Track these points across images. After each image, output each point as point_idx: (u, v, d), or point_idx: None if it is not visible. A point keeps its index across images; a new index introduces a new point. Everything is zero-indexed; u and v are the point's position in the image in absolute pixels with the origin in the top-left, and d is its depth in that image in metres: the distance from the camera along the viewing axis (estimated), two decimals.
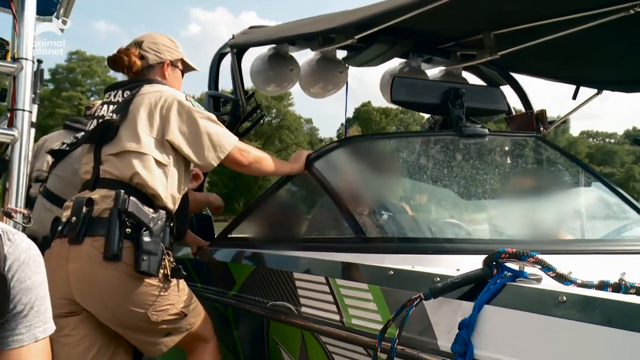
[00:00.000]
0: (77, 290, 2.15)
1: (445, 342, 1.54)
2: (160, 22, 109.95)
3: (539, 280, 1.51)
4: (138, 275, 2.14)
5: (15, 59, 2.21)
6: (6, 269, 1.22)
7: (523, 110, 3.97)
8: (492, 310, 1.46)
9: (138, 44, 2.49)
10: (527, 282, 1.49)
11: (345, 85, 3.85)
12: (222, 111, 3.47)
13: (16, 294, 1.23)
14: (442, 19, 2.40)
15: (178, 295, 2.28)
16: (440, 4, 2.23)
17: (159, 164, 2.27)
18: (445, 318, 1.57)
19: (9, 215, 2.13)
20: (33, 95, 2.24)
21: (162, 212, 2.25)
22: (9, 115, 2.21)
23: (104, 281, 2.13)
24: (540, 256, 1.50)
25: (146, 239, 2.15)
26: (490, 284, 1.51)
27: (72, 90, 49.80)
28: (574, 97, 3.94)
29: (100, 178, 2.28)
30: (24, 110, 2.21)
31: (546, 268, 1.49)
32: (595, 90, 3.70)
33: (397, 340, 1.56)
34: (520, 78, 3.99)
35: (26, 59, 2.22)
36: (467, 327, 1.47)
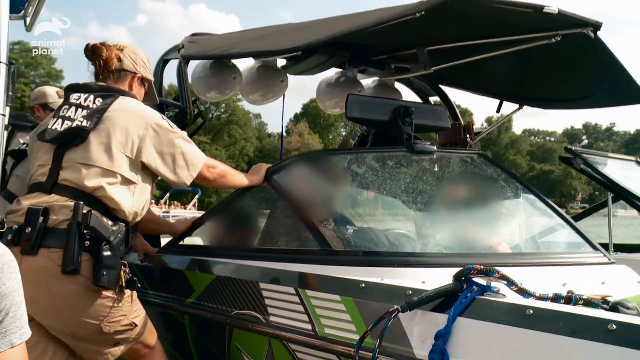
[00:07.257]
0: (28, 301, 2.13)
1: (420, 350, 1.70)
2: (109, 12, 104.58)
3: (504, 294, 1.70)
4: (95, 288, 2.17)
5: None
6: None
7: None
8: (465, 322, 1.63)
9: (120, 48, 2.51)
10: (495, 296, 1.68)
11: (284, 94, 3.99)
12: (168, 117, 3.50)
13: None
14: (379, 34, 2.57)
15: (130, 306, 2.32)
16: (382, 26, 2.40)
17: (127, 182, 2.28)
18: (420, 329, 1.73)
19: None
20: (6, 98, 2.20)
21: (122, 225, 2.27)
22: None
23: (59, 294, 2.14)
24: (505, 272, 1.70)
25: (106, 253, 2.17)
26: (462, 298, 1.68)
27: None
28: (498, 111, 4.28)
29: (59, 184, 2.25)
30: None
31: (510, 283, 1.70)
32: (517, 105, 4.05)
33: (377, 350, 1.70)
34: (448, 90, 4.29)
35: (0, 62, 2.17)
36: (444, 337, 1.63)
